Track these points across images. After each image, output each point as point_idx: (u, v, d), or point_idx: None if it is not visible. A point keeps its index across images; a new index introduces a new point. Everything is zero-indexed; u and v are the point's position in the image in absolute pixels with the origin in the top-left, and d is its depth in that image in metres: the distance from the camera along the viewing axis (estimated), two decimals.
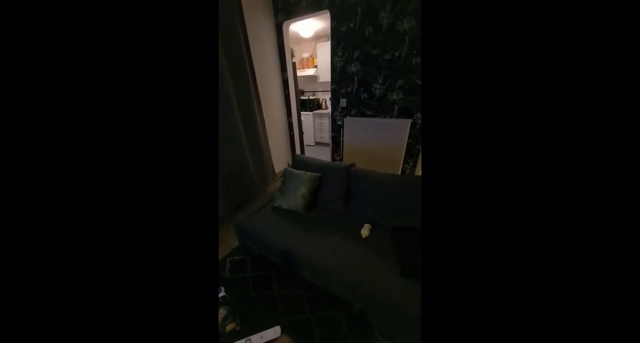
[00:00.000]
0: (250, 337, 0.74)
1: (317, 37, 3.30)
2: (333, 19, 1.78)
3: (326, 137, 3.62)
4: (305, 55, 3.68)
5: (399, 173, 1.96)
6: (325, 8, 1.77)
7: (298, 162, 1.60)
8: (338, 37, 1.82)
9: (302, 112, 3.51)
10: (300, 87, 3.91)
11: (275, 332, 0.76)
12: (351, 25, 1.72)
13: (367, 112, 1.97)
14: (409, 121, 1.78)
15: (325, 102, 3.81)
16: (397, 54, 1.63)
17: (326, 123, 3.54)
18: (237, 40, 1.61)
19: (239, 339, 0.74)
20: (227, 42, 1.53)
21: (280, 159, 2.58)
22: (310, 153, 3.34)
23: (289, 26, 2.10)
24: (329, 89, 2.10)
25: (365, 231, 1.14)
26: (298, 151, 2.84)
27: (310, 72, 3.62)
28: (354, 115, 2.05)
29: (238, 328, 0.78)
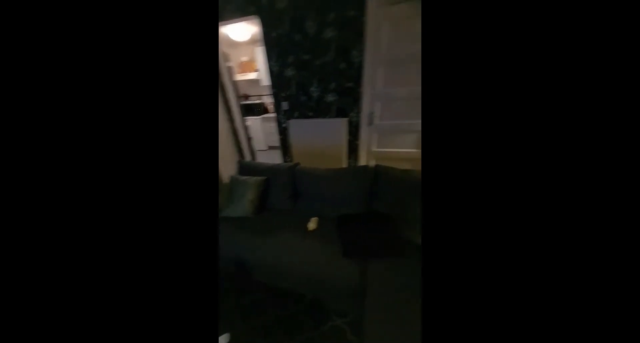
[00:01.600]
0: None
1: (254, 41, 3.27)
2: (263, 25, 1.81)
3: (278, 140, 3.62)
4: (244, 58, 3.59)
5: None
6: (254, 14, 1.79)
7: (242, 168, 1.58)
8: (270, 43, 1.87)
9: (249, 117, 3.41)
10: (244, 91, 3.78)
11: (225, 338, 0.76)
12: (280, 31, 1.79)
13: (308, 113, 2.08)
14: (345, 120, 1.96)
15: (273, 106, 3.80)
16: (326, 59, 1.78)
17: (275, 127, 3.54)
18: None
19: None
20: None
21: (227, 167, 2.46)
22: (262, 157, 3.29)
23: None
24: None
25: (311, 224, 1.22)
26: (248, 157, 2.76)
27: (252, 75, 3.55)
28: (297, 117, 2.13)
29: None
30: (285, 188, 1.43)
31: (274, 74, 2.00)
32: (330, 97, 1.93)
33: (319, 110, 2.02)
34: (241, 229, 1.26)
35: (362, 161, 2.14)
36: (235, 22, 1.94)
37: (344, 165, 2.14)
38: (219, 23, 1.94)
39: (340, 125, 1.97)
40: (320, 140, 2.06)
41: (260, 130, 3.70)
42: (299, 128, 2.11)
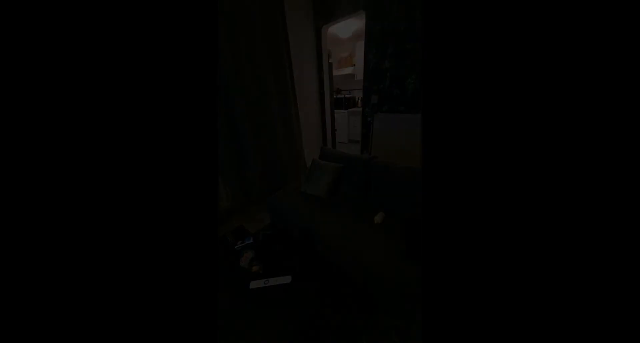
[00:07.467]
0: (269, 279, 0.95)
1: (356, 37, 3.37)
2: (368, 18, 1.85)
3: (359, 134, 3.67)
4: (344, 54, 3.78)
5: None
6: (362, 9, 1.86)
7: (324, 154, 1.75)
8: (372, 34, 1.88)
9: (337, 110, 3.64)
10: (337, 85, 4.04)
11: (286, 279, 0.95)
12: (386, 21, 1.76)
13: (399, 107, 1.97)
14: None
15: (361, 100, 3.85)
16: None
17: (360, 120, 3.59)
18: (279, 42, 1.85)
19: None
20: (270, 44, 1.77)
21: (312, 153, 2.79)
22: (342, 149, 3.46)
23: (327, 30, 2.26)
24: None
25: (378, 218, 1.21)
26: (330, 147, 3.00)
27: (348, 70, 3.72)
28: (386, 112, 2.08)
29: (261, 272, 0.99)
30: (358, 178, 1.48)
31: (370, 67, 2.02)
32: None
33: (412, 104, 1.87)
34: (313, 206, 1.44)
35: None
36: (343, 20, 2.08)
37: None
38: (330, 24, 2.15)
39: None
40: (407, 136, 1.92)
41: (345, 123, 3.87)
42: (385, 122, 2.06)
